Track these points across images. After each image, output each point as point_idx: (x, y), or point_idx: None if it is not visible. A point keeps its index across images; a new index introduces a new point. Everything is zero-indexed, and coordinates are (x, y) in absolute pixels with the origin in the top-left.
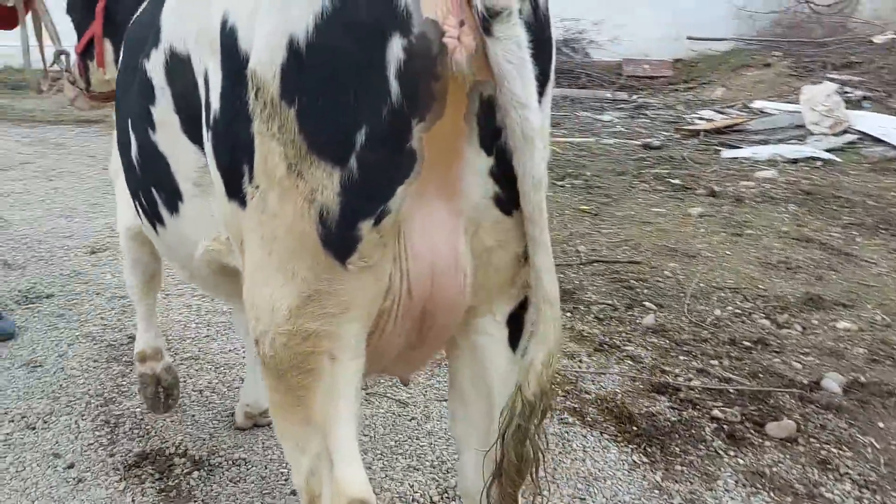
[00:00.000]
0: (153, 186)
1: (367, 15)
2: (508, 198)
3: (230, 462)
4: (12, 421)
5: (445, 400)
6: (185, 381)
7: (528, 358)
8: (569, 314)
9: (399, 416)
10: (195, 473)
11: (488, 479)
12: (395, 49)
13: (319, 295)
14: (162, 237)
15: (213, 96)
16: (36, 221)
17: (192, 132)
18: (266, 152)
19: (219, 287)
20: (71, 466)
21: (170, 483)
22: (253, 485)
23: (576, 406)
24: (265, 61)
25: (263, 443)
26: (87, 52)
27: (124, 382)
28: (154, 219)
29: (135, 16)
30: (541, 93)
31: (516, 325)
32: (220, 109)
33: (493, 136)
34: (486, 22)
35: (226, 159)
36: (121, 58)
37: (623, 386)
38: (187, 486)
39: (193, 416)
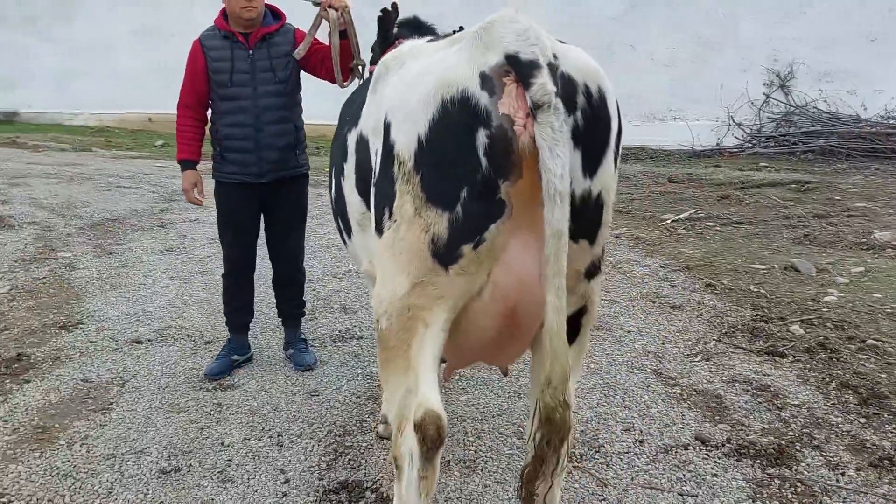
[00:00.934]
0: (340, 216)
1: (458, 117)
2: (573, 231)
3: None
4: (270, 437)
5: (650, 488)
6: None
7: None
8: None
9: (594, 494)
10: None
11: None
12: (481, 137)
13: (423, 284)
14: (349, 249)
15: (376, 164)
16: None
17: (361, 188)
18: (401, 199)
19: None
20: (286, 482)
21: None
22: None
23: None
24: (403, 145)
25: (447, 493)
26: None
27: (368, 420)
28: (344, 236)
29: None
30: (596, 162)
31: (575, 326)
32: (378, 173)
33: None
34: (534, 112)
35: (379, 205)
36: (337, 126)
37: None
38: None
39: None
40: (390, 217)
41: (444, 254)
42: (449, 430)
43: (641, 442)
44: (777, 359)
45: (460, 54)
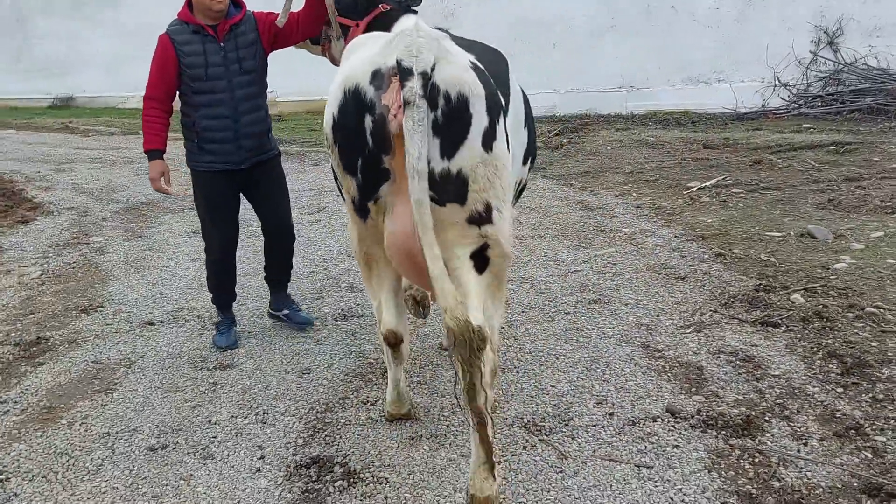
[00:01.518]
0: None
1: (354, 106)
2: (439, 198)
3: (373, 479)
4: (255, 414)
5: (609, 460)
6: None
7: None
8: (841, 388)
9: (552, 467)
10: (338, 483)
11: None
12: (368, 121)
13: (362, 235)
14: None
15: None
16: None
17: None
18: (333, 168)
19: None
20: (262, 458)
21: (314, 486)
22: (377, 503)
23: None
24: (327, 126)
25: (412, 467)
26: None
27: (352, 396)
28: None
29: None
30: (454, 148)
31: (482, 259)
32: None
33: None
34: (403, 107)
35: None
36: None
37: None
38: (326, 492)
39: (374, 433)
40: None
41: (359, 209)
42: (425, 405)
43: (611, 415)
44: (770, 329)
45: (372, 53)
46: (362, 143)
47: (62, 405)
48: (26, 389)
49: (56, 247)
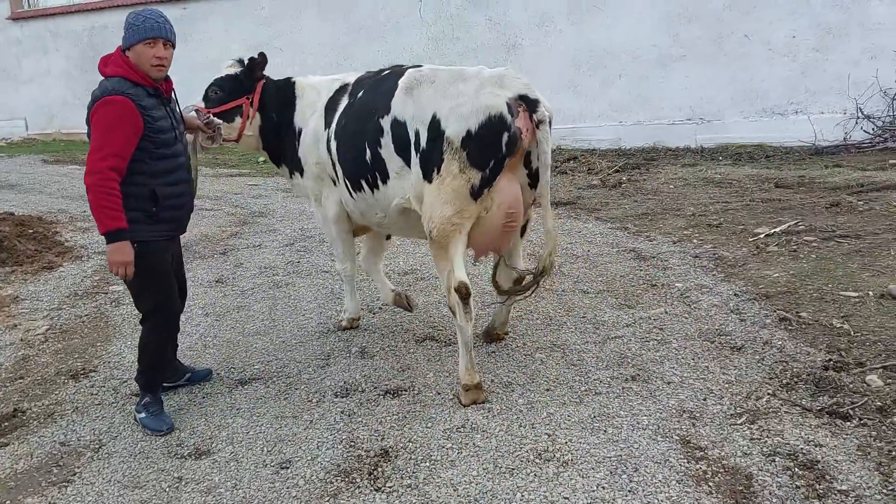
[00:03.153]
0: (376, 172)
1: (497, 125)
2: (531, 183)
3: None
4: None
5: None
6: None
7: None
8: None
9: None
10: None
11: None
12: (504, 137)
13: (469, 211)
14: (366, 201)
15: (422, 141)
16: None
17: (400, 152)
18: (449, 163)
19: (396, 222)
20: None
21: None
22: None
23: None
24: (454, 135)
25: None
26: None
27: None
28: (371, 188)
29: (343, 102)
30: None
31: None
32: (426, 147)
33: (527, 164)
34: (538, 126)
35: (427, 166)
36: (340, 119)
37: None
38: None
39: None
40: (437, 173)
41: (477, 192)
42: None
43: None
44: (839, 422)
45: (490, 90)
46: (497, 150)
47: (8, 502)
48: None
49: (73, 297)
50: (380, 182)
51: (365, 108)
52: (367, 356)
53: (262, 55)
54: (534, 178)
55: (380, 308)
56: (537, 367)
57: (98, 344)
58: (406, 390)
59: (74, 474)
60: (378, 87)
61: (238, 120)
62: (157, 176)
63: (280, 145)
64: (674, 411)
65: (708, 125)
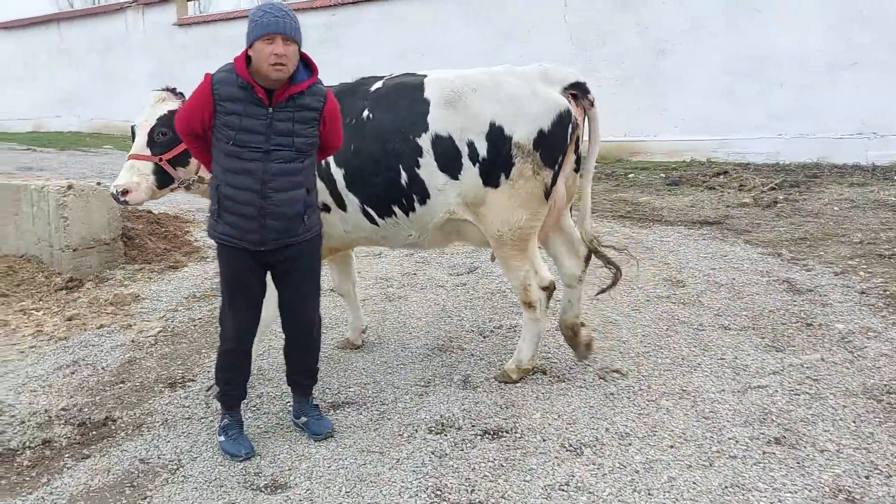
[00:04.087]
0: (413, 194)
1: (566, 120)
2: (577, 167)
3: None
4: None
5: None
6: None
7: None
8: None
9: None
10: None
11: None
12: (569, 129)
13: (538, 212)
14: (396, 225)
15: (481, 151)
16: None
17: (446, 168)
18: (521, 167)
19: (431, 237)
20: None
21: None
22: None
23: None
24: (524, 138)
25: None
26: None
27: None
28: (406, 211)
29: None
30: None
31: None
32: (487, 156)
33: (576, 150)
34: (593, 105)
35: (492, 172)
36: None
37: None
38: None
39: None
40: (507, 178)
41: (549, 192)
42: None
43: None
44: None
45: (544, 87)
46: (565, 144)
47: None
48: (49, 494)
49: (190, 299)
50: (417, 203)
51: (383, 129)
52: (470, 387)
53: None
54: (578, 161)
55: (491, 331)
56: (661, 417)
57: (203, 351)
58: (507, 432)
59: (145, 498)
60: (393, 105)
61: (193, 162)
62: (225, 173)
63: None
64: (827, 489)
65: (881, 140)
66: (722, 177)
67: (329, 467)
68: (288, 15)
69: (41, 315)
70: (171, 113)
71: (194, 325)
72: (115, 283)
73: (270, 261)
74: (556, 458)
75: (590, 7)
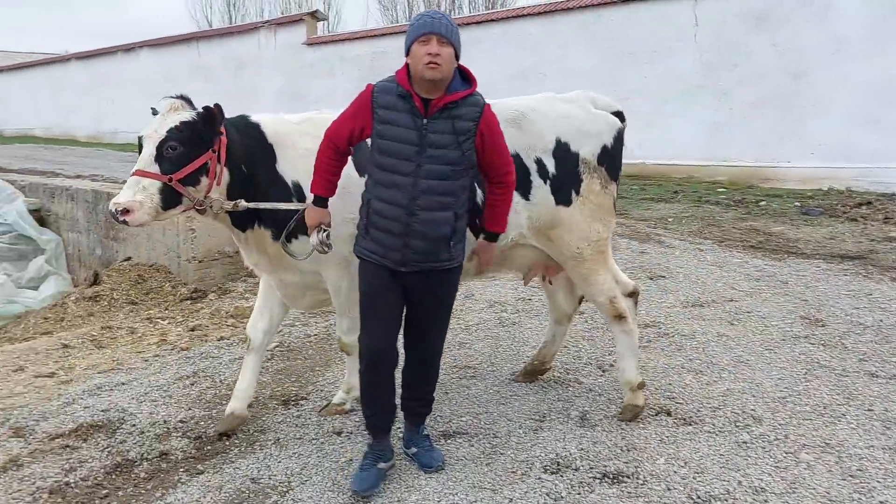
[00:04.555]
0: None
1: (621, 138)
2: None
3: None
4: None
5: None
6: None
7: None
8: None
9: None
10: None
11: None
12: (622, 146)
13: (609, 224)
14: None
15: (550, 167)
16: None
17: (517, 187)
18: (590, 182)
19: (505, 259)
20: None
21: None
22: None
23: None
24: (590, 154)
25: None
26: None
27: None
28: (476, 234)
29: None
30: None
31: None
32: (556, 173)
33: None
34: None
35: (562, 189)
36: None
37: None
38: None
39: None
40: (577, 194)
41: (615, 205)
42: None
43: None
44: None
45: (593, 108)
46: (622, 160)
47: None
48: None
49: (307, 314)
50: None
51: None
52: (588, 425)
53: (217, 106)
54: None
55: (610, 365)
56: (801, 473)
57: (317, 369)
58: (628, 477)
59: None
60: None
61: (204, 181)
62: (375, 186)
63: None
64: None
65: None
66: (864, 207)
67: (439, 502)
68: (444, 17)
69: (166, 324)
70: (184, 125)
71: (310, 342)
72: (237, 295)
73: (409, 284)
74: None
75: (722, 26)
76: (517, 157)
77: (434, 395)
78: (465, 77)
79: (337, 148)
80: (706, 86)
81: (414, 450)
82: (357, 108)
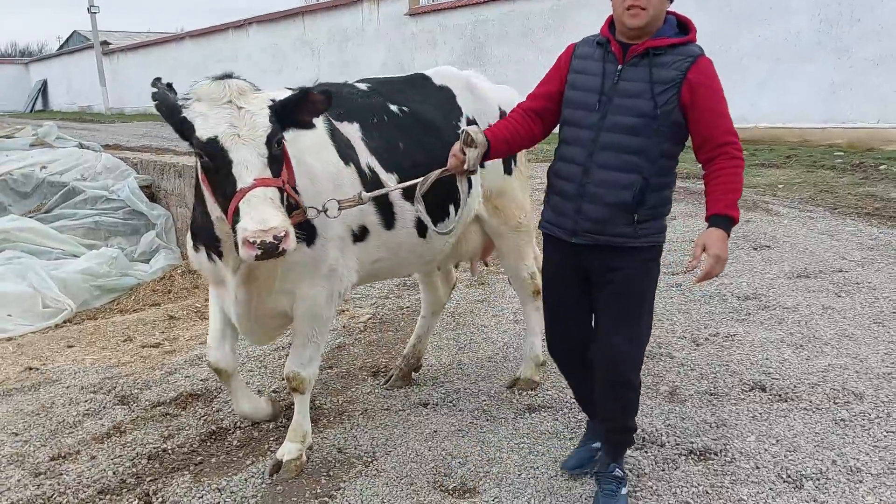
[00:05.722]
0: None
1: None
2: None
3: None
4: None
5: None
6: None
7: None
8: None
9: None
10: None
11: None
12: None
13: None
14: (448, 233)
15: None
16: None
17: None
18: (521, 153)
19: (458, 242)
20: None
21: None
22: None
23: None
24: None
25: None
26: None
27: None
28: (458, 208)
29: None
30: None
31: None
32: None
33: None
34: None
35: (508, 159)
36: (377, 143)
37: None
38: None
39: None
40: (515, 164)
41: None
42: None
43: None
44: None
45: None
46: None
47: None
48: (252, 476)
49: (401, 286)
50: (464, 197)
51: (422, 118)
52: (677, 400)
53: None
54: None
55: (705, 339)
56: None
57: (408, 340)
58: (716, 454)
59: (339, 490)
60: (417, 96)
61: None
62: (559, 145)
63: None
64: None
65: None
66: None
67: (520, 475)
68: None
69: None
70: (276, 107)
71: (402, 314)
72: None
73: (586, 264)
74: (770, 489)
75: None
76: (475, 123)
77: (631, 422)
78: (683, 26)
79: (526, 108)
80: (825, 43)
81: (596, 481)
82: (558, 60)
